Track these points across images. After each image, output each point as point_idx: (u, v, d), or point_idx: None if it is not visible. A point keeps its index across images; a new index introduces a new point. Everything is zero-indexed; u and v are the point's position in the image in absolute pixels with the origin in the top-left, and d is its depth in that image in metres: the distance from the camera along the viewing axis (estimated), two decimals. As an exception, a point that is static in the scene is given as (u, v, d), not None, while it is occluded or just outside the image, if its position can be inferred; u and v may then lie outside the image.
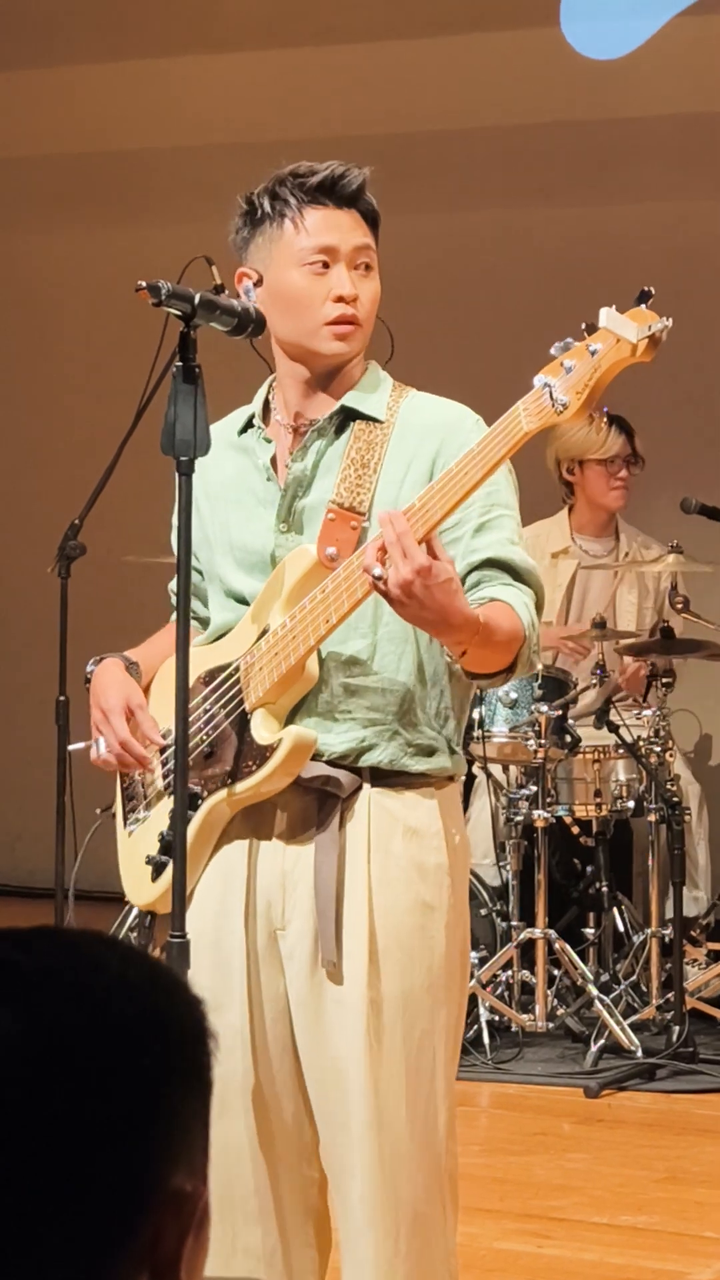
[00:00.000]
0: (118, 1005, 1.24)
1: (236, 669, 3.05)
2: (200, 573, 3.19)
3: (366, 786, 3.00)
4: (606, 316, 2.80)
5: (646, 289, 2.85)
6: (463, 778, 3.17)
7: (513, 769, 6.47)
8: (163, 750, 3.14)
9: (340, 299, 3.04)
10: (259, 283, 3.09)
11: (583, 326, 2.82)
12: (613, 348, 2.79)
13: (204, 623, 3.21)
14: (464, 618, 2.81)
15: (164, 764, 3.15)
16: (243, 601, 3.10)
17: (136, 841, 3.18)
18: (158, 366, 3.23)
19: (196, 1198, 1.25)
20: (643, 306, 2.84)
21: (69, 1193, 1.19)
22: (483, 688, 3.13)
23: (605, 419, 6.72)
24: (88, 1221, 1.20)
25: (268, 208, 3.08)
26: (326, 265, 3.05)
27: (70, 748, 5.10)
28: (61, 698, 5.36)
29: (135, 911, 6.14)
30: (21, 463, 9.12)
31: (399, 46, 8.51)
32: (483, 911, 6.34)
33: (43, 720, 5.56)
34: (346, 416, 3.08)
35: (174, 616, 3.20)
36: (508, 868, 6.41)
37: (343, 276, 3.05)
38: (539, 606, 3.01)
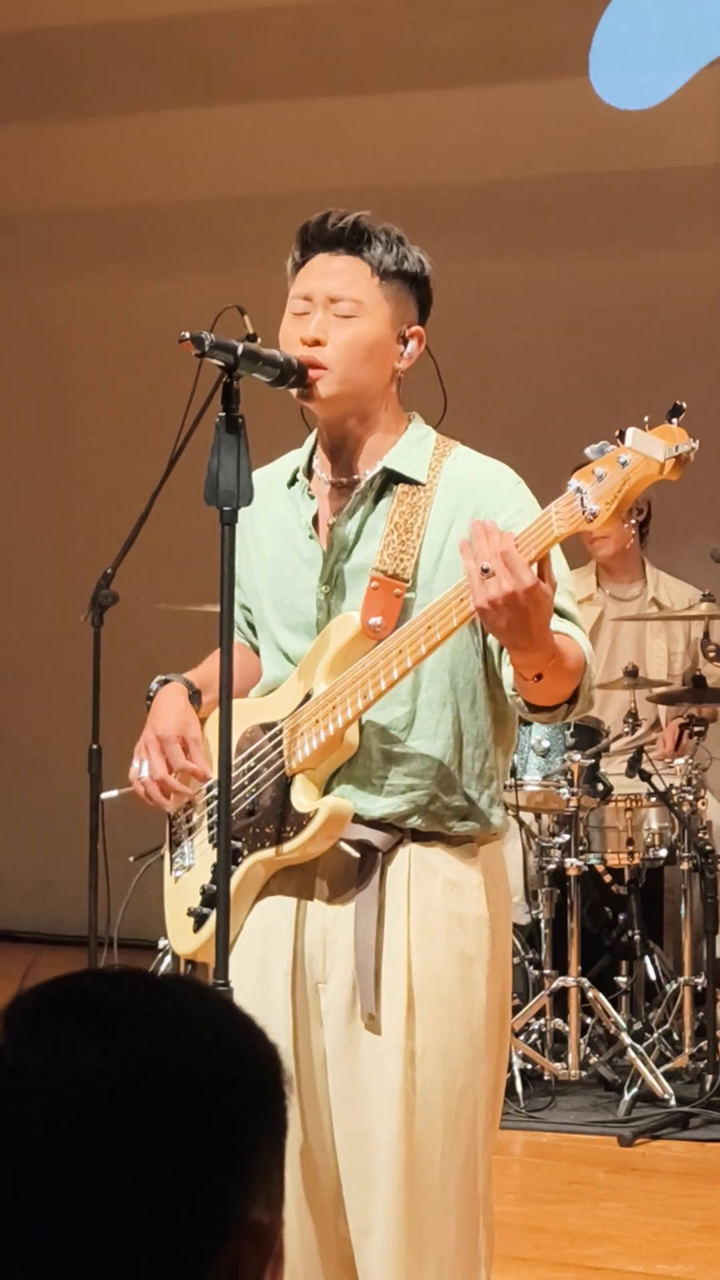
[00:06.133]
0: (202, 1043, 1.27)
1: (281, 730, 3.04)
2: (248, 609, 3.18)
3: (407, 839, 2.99)
4: (633, 437, 2.77)
5: (679, 404, 2.81)
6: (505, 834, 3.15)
7: (545, 817, 6.47)
8: (208, 802, 3.13)
9: (301, 341, 3.00)
10: None
11: (616, 433, 2.79)
12: (642, 462, 2.77)
13: (255, 650, 3.19)
14: (548, 641, 2.79)
15: (209, 815, 3.13)
16: (288, 657, 3.09)
17: (180, 890, 3.17)
18: (189, 416, 3.20)
19: (275, 1230, 1.28)
20: (673, 421, 2.80)
21: (156, 1224, 1.22)
22: (543, 722, 3.09)
23: None
24: (173, 1252, 1.23)
25: (290, 263, 3.09)
26: (309, 311, 3.02)
27: (104, 796, 5.10)
28: (94, 746, 5.35)
29: (169, 960, 6.14)
30: (51, 512, 9.15)
31: (427, 97, 8.55)
32: (515, 960, 6.32)
33: (73, 768, 5.56)
34: (388, 478, 3.03)
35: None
36: (539, 910, 6.40)
37: (311, 320, 3.00)
38: None
